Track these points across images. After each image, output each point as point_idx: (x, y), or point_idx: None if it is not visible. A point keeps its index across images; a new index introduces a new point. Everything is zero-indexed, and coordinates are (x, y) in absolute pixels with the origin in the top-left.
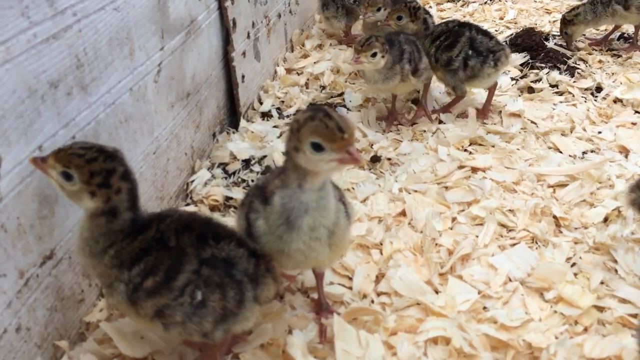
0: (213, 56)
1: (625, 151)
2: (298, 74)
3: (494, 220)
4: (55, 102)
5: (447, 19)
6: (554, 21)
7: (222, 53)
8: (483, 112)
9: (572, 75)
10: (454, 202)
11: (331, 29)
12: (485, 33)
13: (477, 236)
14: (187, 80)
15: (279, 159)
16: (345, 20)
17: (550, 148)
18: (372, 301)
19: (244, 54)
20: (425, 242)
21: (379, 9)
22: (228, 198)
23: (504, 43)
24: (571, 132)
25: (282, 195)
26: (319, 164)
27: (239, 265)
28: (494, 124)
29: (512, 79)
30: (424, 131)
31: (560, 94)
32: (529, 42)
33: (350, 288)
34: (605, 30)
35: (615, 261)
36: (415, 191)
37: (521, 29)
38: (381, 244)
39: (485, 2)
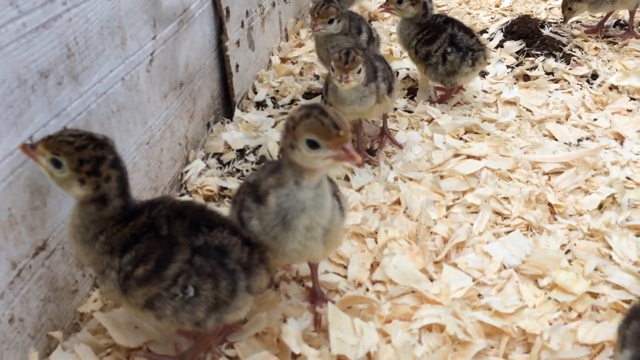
0: (206, 45)
1: (620, 138)
2: (293, 63)
3: (489, 208)
4: (46, 92)
5: (438, 13)
6: (550, 8)
7: (215, 42)
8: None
9: (568, 63)
10: (449, 191)
11: None
12: (468, 31)
13: (472, 224)
14: (180, 69)
15: (273, 149)
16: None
17: (545, 136)
18: (367, 289)
19: (238, 43)
20: (420, 231)
21: (331, 21)
22: (222, 188)
23: (485, 45)
24: (566, 119)
25: (278, 194)
26: (315, 161)
27: (232, 253)
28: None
29: (508, 66)
30: (421, 119)
31: (556, 81)
32: (524, 30)
33: (346, 277)
34: (601, 17)
35: (610, 247)
36: (411, 179)
37: (517, 17)
38: (376, 233)
39: None
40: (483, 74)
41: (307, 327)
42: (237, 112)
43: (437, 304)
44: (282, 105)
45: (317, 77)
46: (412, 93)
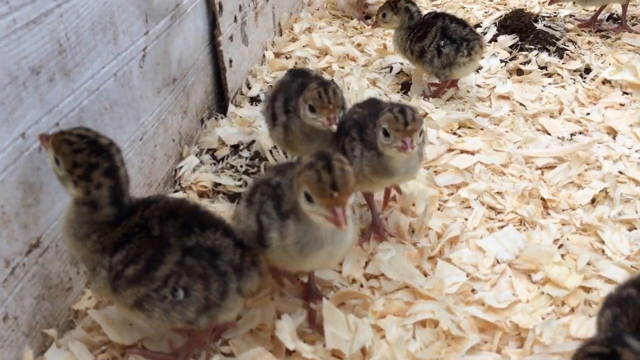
0: (199, 40)
1: (613, 132)
2: (287, 58)
3: (483, 203)
4: (38, 89)
5: (429, 11)
6: (544, 2)
7: (208, 37)
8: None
9: (561, 57)
10: (443, 186)
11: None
12: (460, 22)
13: (466, 219)
14: (173, 65)
15: (267, 144)
16: None
17: (538, 130)
18: (362, 285)
19: (231, 38)
20: (415, 226)
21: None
22: (217, 184)
23: (480, 33)
24: (560, 114)
25: (297, 228)
26: (309, 213)
27: (224, 255)
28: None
29: (502, 61)
30: None
31: (549, 75)
32: (518, 24)
33: (340, 272)
34: (594, 11)
35: (602, 242)
36: None
37: (510, 11)
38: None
39: None
40: (477, 69)
41: (302, 323)
42: (231, 108)
43: (431, 300)
44: None
45: None
46: (405, 88)
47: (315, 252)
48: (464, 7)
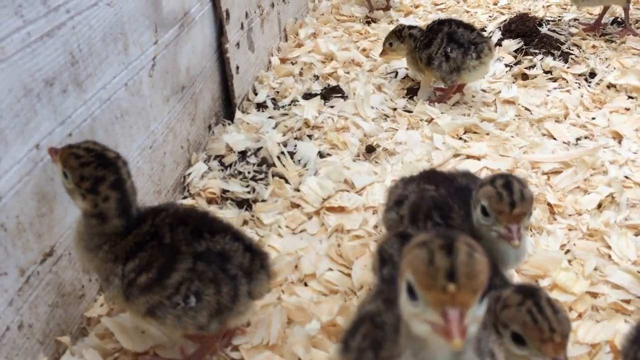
0: (207, 48)
1: (618, 137)
2: (292, 64)
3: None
4: (51, 100)
5: (435, 19)
6: (548, 6)
7: (215, 45)
8: None
9: (566, 61)
10: None
11: None
12: (467, 26)
13: None
14: (181, 73)
15: (274, 150)
16: None
17: (544, 135)
18: (370, 289)
19: (237, 44)
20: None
21: None
22: (225, 191)
23: (488, 36)
24: (565, 118)
25: None
26: (411, 318)
27: (234, 259)
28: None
29: (506, 65)
30: (420, 119)
31: (554, 80)
32: (522, 28)
33: (349, 275)
34: (598, 14)
35: (609, 247)
36: None
37: (515, 15)
38: (379, 233)
39: None
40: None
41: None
42: (238, 114)
43: None
44: (283, 106)
45: (316, 77)
46: (411, 93)
47: None
48: (468, 12)
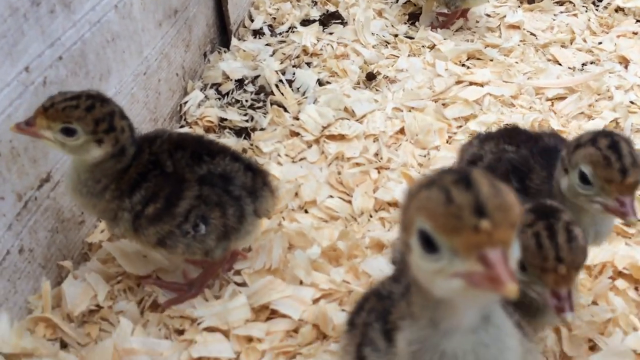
0: None
1: (625, 62)
2: None
3: None
4: (39, 21)
5: None
6: None
7: None
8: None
9: None
10: (452, 118)
11: None
12: None
13: None
14: None
15: (272, 78)
16: None
17: (549, 60)
18: (371, 216)
19: None
20: (424, 158)
21: None
22: (222, 119)
23: None
24: (571, 43)
25: (410, 337)
26: (433, 278)
27: (236, 180)
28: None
29: None
30: (422, 46)
31: (561, 3)
32: None
33: (349, 202)
34: None
35: None
36: (413, 108)
37: None
38: (379, 161)
39: None
40: None
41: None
42: (234, 41)
43: None
44: (280, 33)
45: (314, 2)
46: (413, 18)
47: None
48: None
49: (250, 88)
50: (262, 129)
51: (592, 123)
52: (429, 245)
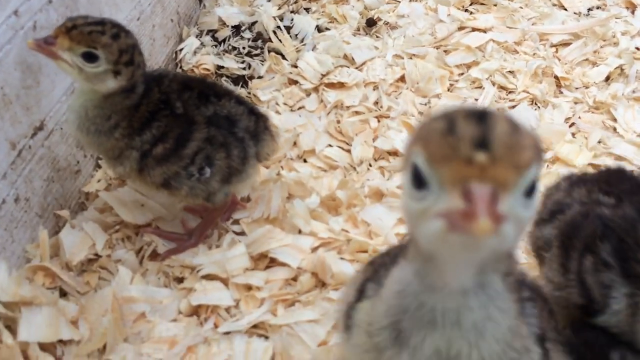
0: None
1: (632, 7)
2: None
3: (494, 83)
4: None
5: None
6: None
7: None
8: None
9: None
10: (454, 65)
11: None
12: None
13: (476, 99)
14: None
15: (269, 25)
16: None
17: (554, 5)
18: (370, 165)
19: None
20: (425, 106)
21: None
22: (219, 67)
23: None
24: None
25: (399, 275)
26: (417, 218)
27: (240, 122)
28: None
29: None
30: None
31: None
32: None
33: (348, 151)
34: None
35: (615, 119)
36: (414, 55)
37: None
38: (379, 110)
39: None
40: None
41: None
42: None
43: None
44: None
45: None
46: None
47: (420, 337)
48: None
49: (247, 34)
50: (259, 77)
51: (596, 70)
52: (419, 181)
